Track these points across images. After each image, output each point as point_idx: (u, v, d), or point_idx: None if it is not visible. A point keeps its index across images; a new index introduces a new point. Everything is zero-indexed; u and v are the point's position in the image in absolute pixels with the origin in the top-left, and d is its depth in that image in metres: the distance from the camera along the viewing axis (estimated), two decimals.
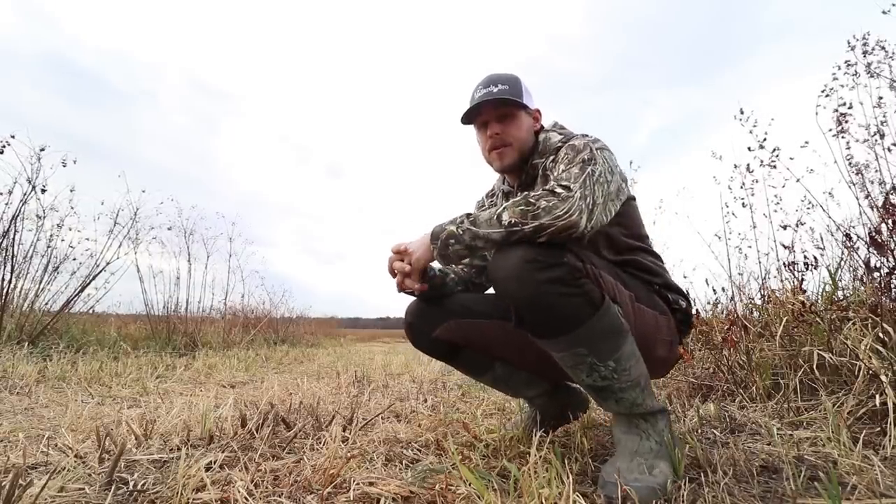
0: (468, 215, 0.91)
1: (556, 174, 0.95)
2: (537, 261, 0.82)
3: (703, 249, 2.34)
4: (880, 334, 1.35)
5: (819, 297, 1.84)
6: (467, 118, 1.11)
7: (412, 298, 1.21)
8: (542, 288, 0.82)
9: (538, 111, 1.14)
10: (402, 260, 1.01)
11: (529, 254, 0.83)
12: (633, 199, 1.10)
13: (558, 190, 0.87)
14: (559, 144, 1.03)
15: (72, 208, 3.71)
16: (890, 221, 1.57)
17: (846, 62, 2.01)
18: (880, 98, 1.93)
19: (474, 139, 1.17)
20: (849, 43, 2.01)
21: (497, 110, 1.08)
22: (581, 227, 0.85)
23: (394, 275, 1.05)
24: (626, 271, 1.02)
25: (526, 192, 0.89)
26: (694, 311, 1.97)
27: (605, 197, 0.92)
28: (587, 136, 1.02)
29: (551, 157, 1.04)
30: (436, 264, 1.05)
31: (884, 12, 1.90)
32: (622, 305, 0.91)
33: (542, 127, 1.15)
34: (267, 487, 0.87)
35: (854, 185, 1.89)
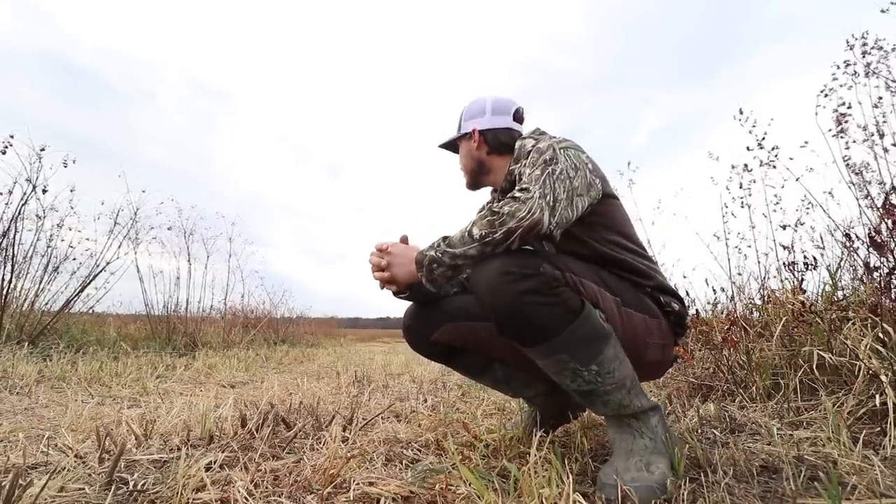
0: (444, 238, 0.92)
1: (523, 178, 0.97)
2: (513, 272, 0.83)
3: (703, 249, 2.35)
4: (880, 334, 1.35)
5: (819, 297, 1.84)
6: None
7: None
8: (519, 299, 0.83)
9: (473, 130, 1.18)
10: (381, 257, 1.03)
11: (505, 265, 0.84)
12: (615, 197, 1.09)
13: (517, 194, 0.88)
14: (530, 149, 1.04)
15: (72, 208, 3.72)
16: (889, 221, 1.56)
17: (845, 62, 2.01)
18: (879, 98, 1.93)
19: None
20: (847, 42, 2.01)
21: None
22: (546, 223, 0.86)
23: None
24: (612, 272, 1.01)
25: (491, 204, 0.91)
26: (691, 313, 1.97)
27: (569, 193, 0.92)
28: (554, 137, 1.05)
29: (523, 163, 1.06)
30: None
31: (882, 11, 1.91)
32: (606, 311, 0.91)
33: (489, 136, 1.18)
34: (267, 487, 0.87)
35: (854, 185, 1.89)
